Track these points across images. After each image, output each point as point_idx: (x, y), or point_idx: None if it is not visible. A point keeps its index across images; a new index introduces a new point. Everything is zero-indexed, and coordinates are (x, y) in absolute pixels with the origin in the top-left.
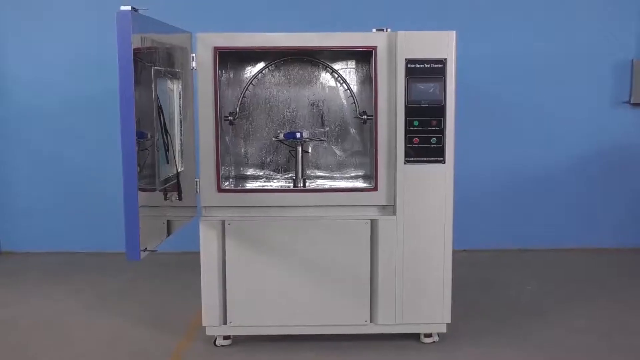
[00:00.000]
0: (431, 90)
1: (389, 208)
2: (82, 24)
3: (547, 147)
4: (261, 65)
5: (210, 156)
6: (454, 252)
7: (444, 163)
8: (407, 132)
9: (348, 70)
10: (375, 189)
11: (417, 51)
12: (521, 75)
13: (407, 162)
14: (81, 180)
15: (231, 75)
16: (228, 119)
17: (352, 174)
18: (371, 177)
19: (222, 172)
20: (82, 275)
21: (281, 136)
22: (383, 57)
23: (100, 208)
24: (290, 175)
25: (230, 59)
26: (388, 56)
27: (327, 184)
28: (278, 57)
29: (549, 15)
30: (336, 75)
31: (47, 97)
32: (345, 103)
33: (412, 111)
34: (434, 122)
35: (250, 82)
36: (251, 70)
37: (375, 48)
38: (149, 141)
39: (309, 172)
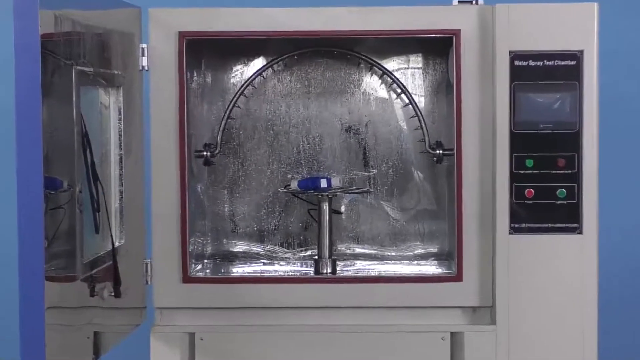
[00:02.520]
0: (556, 106)
1: (483, 312)
2: None
3: None
4: (259, 62)
5: (171, 220)
6: None
7: (581, 233)
8: (513, 178)
9: (410, 71)
10: (458, 277)
11: (531, 38)
12: None
13: (514, 230)
14: None
15: (208, 80)
16: (203, 155)
17: (418, 251)
18: (451, 256)
19: (192, 248)
20: None
21: (294, 185)
22: (471, 48)
23: None
24: (309, 253)
25: (208, 52)
26: (480, 47)
27: (374, 268)
28: (289, 50)
29: None
30: (389, 80)
31: None
32: (405, 127)
33: (523, 142)
34: (562, 162)
35: (241, 92)
36: (242, 72)
37: (457, 33)
38: (65, 193)
39: (341, 247)
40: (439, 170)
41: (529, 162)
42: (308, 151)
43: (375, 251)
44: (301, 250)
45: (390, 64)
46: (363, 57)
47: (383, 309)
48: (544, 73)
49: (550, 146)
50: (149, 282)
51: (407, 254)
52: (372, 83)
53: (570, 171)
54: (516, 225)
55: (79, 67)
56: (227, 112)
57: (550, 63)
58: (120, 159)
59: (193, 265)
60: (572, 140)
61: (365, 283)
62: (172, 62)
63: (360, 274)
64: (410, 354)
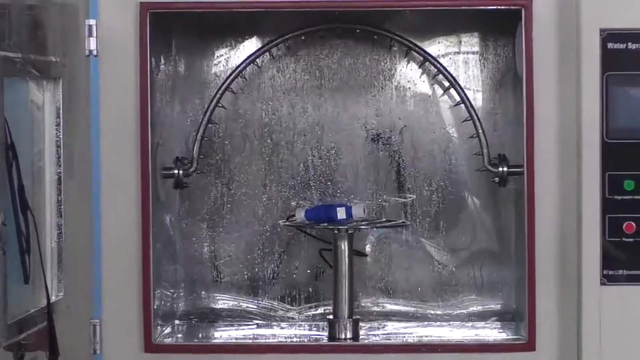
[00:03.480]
0: None
1: None
2: None
3: None
4: (252, 45)
5: (129, 265)
6: None
7: None
8: (607, 206)
9: (462, 57)
10: (530, 345)
11: (630, 12)
12: None
13: (607, 279)
14: None
15: (181, 69)
16: (173, 175)
17: (474, 309)
18: (520, 316)
19: (158, 304)
20: None
21: (301, 216)
22: (547, 25)
23: None
24: (321, 311)
25: (180, 30)
26: (560, 23)
27: (413, 332)
28: (293, 27)
29: None
30: (433, 70)
31: None
32: (456, 135)
33: (620, 156)
34: None
35: (227, 86)
36: (228, 58)
37: (527, 4)
38: None
39: (367, 302)
40: (502, 195)
41: (629, 185)
42: (320, 168)
43: (414, 308)
44: (310, 308)
45: (435, 47)
46: (397, 38)
47: None
48: None
49: None
50: (98, 351)
51: (459, 312)
52: (409, 74)
53: None
54: (610, 273)
55: (2, 53)
56: (208, 114)
57: None
58: (59, 179)
59: (159, 327)
60: None
61: (399, 353)
62: (131, 45)
63: (392, 341)
64: None
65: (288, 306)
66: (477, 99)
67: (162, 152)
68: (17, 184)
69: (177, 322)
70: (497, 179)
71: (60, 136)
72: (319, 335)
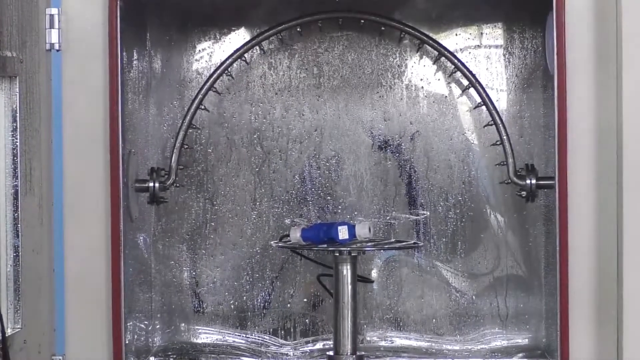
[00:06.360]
0: None
1: None
2: None
3: None
4: (239, 38)
5: (96, 293)
6: None
7: None
8: None
9: (484, 52)
10: None
11: None
12: None
13: None
14: None
15: (157, 65)
16: (148, 188)
17: (497, 344)
18: (551, 353)
19: (131, 339)
20: None
21: (296, 236)
22: (583, 14)
23: None
24: (319, 345)
25: (156, 21)
26: (595, 13)
27: None
28: (287, 17)
29: None
30: (450, 67)
31: None
32: (476, 142)
33: None
34: None
35: (211, 86)
36: (211, 53)
37: None
38: None
39: (373, 336)
40: (530, 212)
41: None
42: (318, 181)
43: (428, 343)
44: (307, 342)
45: (452, 40)
46: (408, 29)
47: None
48: None
49: None
50: None
51: (480, 347)
52: (422, 71)
53: None
54: None
55: None
56: (188, 117)
57: None
58: (16, 194)
59: None
60: None
61: None
62: (99, 38)
63: None
64: None
65: (282, 340)
66: (501, 100)
67: (135, 162)
68: None
69: (152, 358)
70: (524, 193)
71: (17, 143)
72: None
